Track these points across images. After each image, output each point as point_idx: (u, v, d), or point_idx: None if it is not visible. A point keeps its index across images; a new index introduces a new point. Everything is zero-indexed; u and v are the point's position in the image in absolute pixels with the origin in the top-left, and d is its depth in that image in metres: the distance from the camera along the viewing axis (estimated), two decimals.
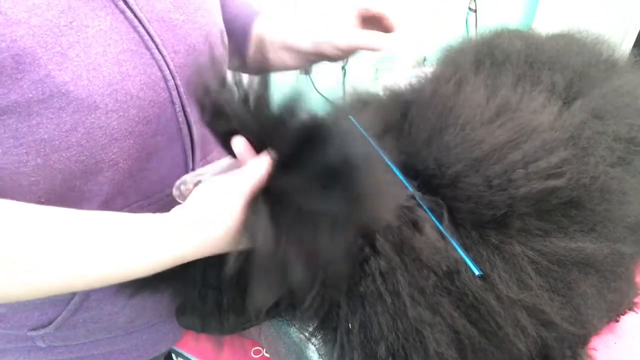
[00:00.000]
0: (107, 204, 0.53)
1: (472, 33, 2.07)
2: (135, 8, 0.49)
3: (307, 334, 0.62)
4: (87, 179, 0.49)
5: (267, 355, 0.75)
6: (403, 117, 0.63)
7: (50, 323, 0.57)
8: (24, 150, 0.44)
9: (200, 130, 0.59)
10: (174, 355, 0.80)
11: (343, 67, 2.48)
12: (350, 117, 0.68)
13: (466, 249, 0.51)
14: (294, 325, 0.64)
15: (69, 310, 0.57)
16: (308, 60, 0.75)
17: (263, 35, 0.78)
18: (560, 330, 0.52)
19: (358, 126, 0.66)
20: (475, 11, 2.09)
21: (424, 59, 2.06)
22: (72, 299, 0.56)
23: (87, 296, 0.57)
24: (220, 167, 0.51)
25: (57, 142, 0.45)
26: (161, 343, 0.71)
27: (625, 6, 2.15)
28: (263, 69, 0.81)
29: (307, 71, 2.49)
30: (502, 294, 0.49)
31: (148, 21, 0.50)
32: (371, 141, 0.63)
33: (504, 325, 0.49)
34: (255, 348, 0.77)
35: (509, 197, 0.51)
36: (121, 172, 0.52)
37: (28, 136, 0.43)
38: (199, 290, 0.52)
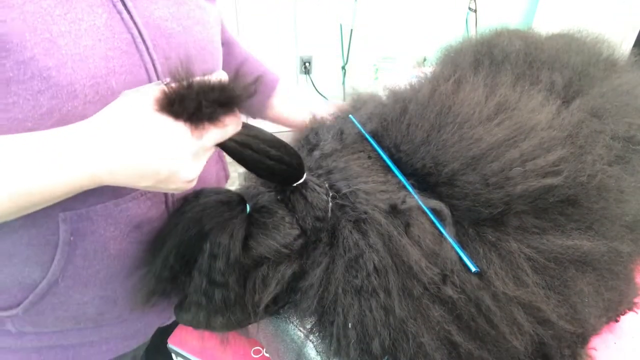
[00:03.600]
0: (80, 198, 0.52)
1: (472, 33, 2.07)
2: (133, 11, 0.51)
3: (305, 332, 0.62)
4: None
5: (267, 355, 0.76)
6: (402, 116, 0.63)
7: (18, 305, 0.58)
8: None
9: None
10: (173, 355, 0.81)
11: (343, 67, 2.49)
12: (350, 116, 0.69)
13: (463, 246, 0.51)
14: (292, 323, 0.64)
15: (36, 294, 0.57)
16: None
17: (289, 95, 0.87)
18: (557, 328, 0.53)
19: (358, 125, 0.67)
20: (475, 11, 2.10)
21: (424, 59, 2.06)
22: (39, 283, 0.56)
23: (55, 283, 0.56)
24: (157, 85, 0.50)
25: (29, 124, 0.45)
26: (132, 339, 0.71)
27: (625, 6, 2.15)
28: (282, 122, 0.89)
29: (307, 71, 2.49)
30: (498, 290, 0.49)
31: (144, 25, 0.52)
32: (370, 140, 0.63)
33: (500, 324, 0.49)
34: (255, 348, 0.77)
35: (506, 195, 0.52)
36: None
37: (2, 113, 0.44)
38: (205, 288, 0.52)
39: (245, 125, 0.49)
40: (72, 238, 0.54)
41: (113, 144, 0.42)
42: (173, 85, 0.42)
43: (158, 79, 0.53)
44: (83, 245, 0.55)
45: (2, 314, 0.58)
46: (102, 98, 0.48)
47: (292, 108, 0.89)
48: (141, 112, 0.42)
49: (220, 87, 0.43)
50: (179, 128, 0.43)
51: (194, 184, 0.48)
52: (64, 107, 0.46)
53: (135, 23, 0.50)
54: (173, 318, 0.75)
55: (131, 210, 0.56)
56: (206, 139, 0.44)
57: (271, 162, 0.50)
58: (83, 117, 0.46)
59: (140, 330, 0.71)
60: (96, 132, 0.43)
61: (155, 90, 0.43)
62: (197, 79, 0.43)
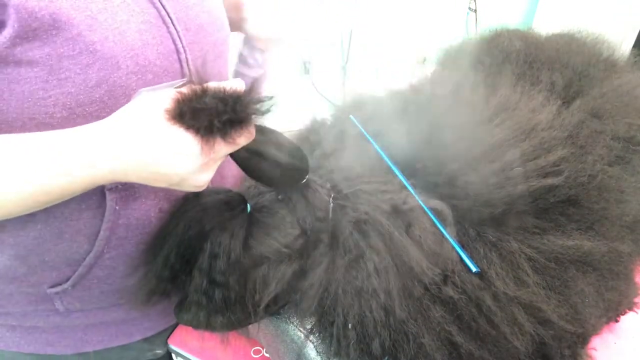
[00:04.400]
0: None
1: (472, 33, 2.08)
2: None
3: (305, 332, 0.62)
4: None
5: (267, 355, 0.75)
6: (402, 115, 0.63)
7: (67, 280, 0.60)
8: (52, 102, 0.48)
9: None
10: (173, 356, 0.80)
11: (343, 67, 2.48)
12: (351, 117, 0.69)
13: (463, 246, 0.51)
14: (293, 323, 0.64)
15: (85, 266, 0.59)
16: None
17: None
18: (558, 328, 0.53)
19: (359, 126, 0.66)
20: (475, 11, 2.10)
21: (424, 59, 2.06)
22: (85, 257, 0.59)
23: (101, 255, 0.59)
24: (173, 85, 0.51)
25: (82, 97, 0.49)
26: (171, 315, 0.71)
27: (625, 6, 2.15)
28: None
29: (307, 71, 2.49)
30: (499, 291, 0.49)
31: None
32: (371, 140, 0.63)
33: (500, 324, 0.49)
34: (255, 348, 0.77)
35: (507, 195, 0.52)
36: None
37: (57, 88, 0.48)
38: (205, 287, 0.52)
39: (260, 130, 0.48)
40: (117, 207, 0.57)
41: (127, 147, 0.44)
42: (187, 93, 0.43)
43: (183, 49, 0.56)
44: (126, 214, 0.58)
45: (52, 290, 0.61)
46: (141, 68, 0.52)
47: None
48: (154, 119, 0.43)
49: (234, 101, 0.43)
50: (189, 140, 0.43)
51: (205, 186, 0.49)
52: (110, 78, 0.50)
53: None
54: None
55: None
56: (216, 152, 0.45)
57: (279, 170, 0.50)
58: (126, 87, 0.51)
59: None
60: (112, 133, 0.44)
61: (169, 95, 0.43)
62: (212, 88, 0.43)
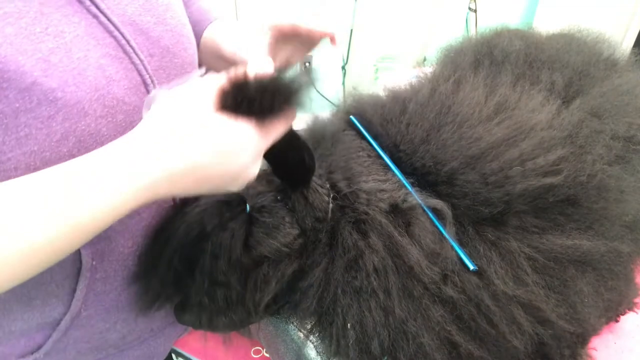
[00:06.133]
0: None
1: (472, 33, 2.08)
2: (108, 12, 0.48)
3: (305, 332, 0.62)
4: None
5: (267, 355, 0.76)
6: (401, 115, 0.63)
7: (38, 348, 0.54)
8: (13, 165, 0.41)
9: None
10: (174, 355, 0.80)
11: (343, 67, 2.49)
12: (351, 117, 0.69)
13: (462, 245, 0.51)
14: (293, 323, 0.64)
15: (60, 330, 0.54)
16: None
17: (206, 42, 0.73)
18: (557, 328, 0.53)
19: (358, 125, 0.67)
20: (475, 11, 2.09)
21: (424, 59, 2.06)
22: (62, 319, 0.53)
23: (77, 315, 0.54)
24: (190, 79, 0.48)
25: (47, 154, 0.42)
26: (152, 358, 0.69)
27: (625, 6, 2.15)
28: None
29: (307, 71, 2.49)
30: (498, 289, 0.49)
31: (122, 25, 0.49)
32: (371, 141, 0.63)
33: (499, 324, 0.49)
34: (255, 348, 0.77)
35: (506, 194, 0.52)
36: None
37: (16, 149, 0.41)
38: (207, 288, 0.52)
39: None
40: (93, 262, 0.51)
41: (175, 148, 0.38)
42: (232, 80, 0.41)
43: (151, 79, 0.51)
44: (103, 267, 0.53)
45: None
46: (110, 110, 0.46)
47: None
48: (201, 112, 0.40)
49: (277, 80, 0.42)
50: (247, 129, 0.41)
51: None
52: (78, 128, 0.43)
53: (113, 24, 0.48)
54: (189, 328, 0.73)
55: (146, 220, 0.55)
56: (273, 135, 0.43)
57: (300, 162, 0.51)
58: (97, 134, 0.45)
59: (159, 347, 0.69)
60: (150, 139, 0.39)
61: (209, 88, 0.41)
62: (252, 71, 0.41)
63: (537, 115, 0.59)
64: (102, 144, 0.43)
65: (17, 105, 0.39)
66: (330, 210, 0.55)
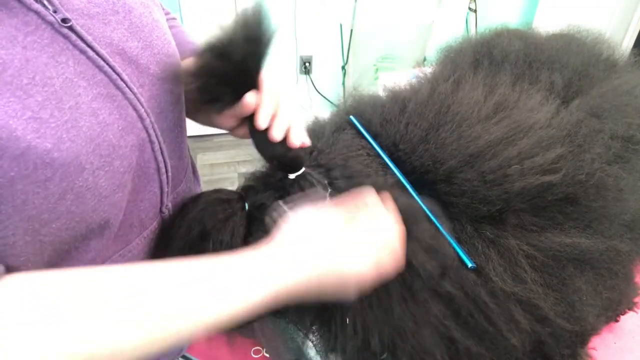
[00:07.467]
0: (90, 262, 0.49)
1: (472, 33, 2.08)
2: (95, 45, 0.44)
3: (304, 331, 0.62)
4: (77, 243, 0.46)
5: (267, 355, 0.76)
6: (401, 114, 0.63)
7: None
8: (10, 232, 0.39)
9: (173, 164, 0.57)
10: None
11: (343, 67, 2.49)
12: (350, 117, 0.69)
13: (460, 243, 0.52)
14: (292, 322, 0.64)
15: None
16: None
17: None
18: (555, 326, 0.53)
19: (358, 125, 0.67)
20: (475, 11, 2.10)
21: (424, 59, 2.07)
22: None
23: None
24: (311, 198, 0.52)
25: (46, 216, 0.40)
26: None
27: (625, 6, 2.15)
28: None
29: (307, 71, 2.49)
30: (496, 286, 0.49)
31: (110, 55, 0.46)
32: (370, 141, 0.63)
33: (497, 321, 0.49)
34: (255, 348, 0.77)
35: (504, 192, 0.52)
36: (111, 228, 0.49)
37: (14, 217, 0.38)
38: None
39: None
40: None
41: (310, 255, 0.43)
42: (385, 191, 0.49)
43: (146, 112, 0.49)
44: None
45: None
46: (106, 159, 0.44)
47: None
48: (338, 230, 0.45)
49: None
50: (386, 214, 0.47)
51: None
52: (75, 185, 0.41)
53: (103, 58, 0.44)
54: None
55: (135, 258, 0.55)
56: None
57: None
58: (95, 187, 0.43)
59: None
60: (291, 248, 0.43)
61: (337, 209, 0.46)
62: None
63: (536, 115, 0.59)
64: (100, 195, 0.44)
65: (13, 174, 0.37)
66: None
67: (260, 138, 0.53)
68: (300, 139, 0.53)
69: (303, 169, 0.54)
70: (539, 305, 0.51)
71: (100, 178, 0.43)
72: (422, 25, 2.10)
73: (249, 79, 0.51)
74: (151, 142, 0.50)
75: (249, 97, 0.51)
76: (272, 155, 0.53)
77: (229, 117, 0.56)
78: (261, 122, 0.52)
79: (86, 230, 0.45)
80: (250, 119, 0.53)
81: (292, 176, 0.54)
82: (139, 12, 0.51)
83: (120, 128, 0.45)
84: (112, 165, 0.44)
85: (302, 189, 0.54)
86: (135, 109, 0.47)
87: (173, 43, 0.57)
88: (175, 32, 0.68)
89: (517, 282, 0.51)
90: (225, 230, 0.52)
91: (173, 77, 0.54)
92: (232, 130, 0.59)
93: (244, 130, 0.57)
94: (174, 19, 0.73)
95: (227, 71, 0.49)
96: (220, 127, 0.60)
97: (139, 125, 0.48)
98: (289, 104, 0.54)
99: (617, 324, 0.71)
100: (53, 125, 0.39)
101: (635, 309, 0.71)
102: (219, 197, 0.54)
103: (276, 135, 0.52)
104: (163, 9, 0.71)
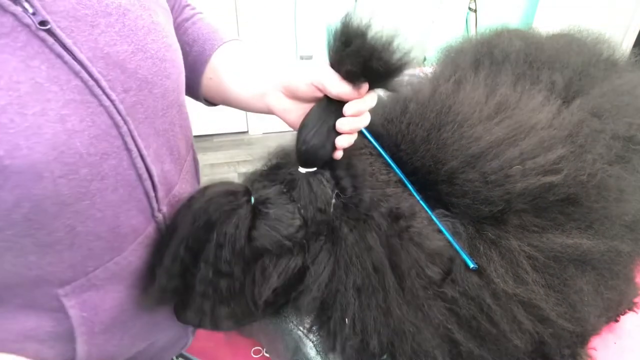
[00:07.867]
0: (76, 268, 0.49)
1: (472, 33, 2.08)
2: (75, 49, 0.42)
3: (305, 331, 0.62)
4: (43, 251, 0.45)
5: (267, 355, 0.76)
6: (402, 115, 0.64)
7: None
8: None
9: (159, 168, 0.55)
10: (174, 355, 0.81)
11: None
12: None
13: (462, 244, 0.52)
14: (292, 322, 0.64)
15: None
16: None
17: (219, 65, 0.68)
18: (556, 326, 0.53)
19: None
20: (475, 11, 2.10)
21: (424, 59, 2.07)
22: None
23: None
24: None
25: (0, 223, 0.39)
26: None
27: (625, 6, 2.15)
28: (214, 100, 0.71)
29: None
30: (498, 288, 0.49)
31: (91, 62, 0.43)
32: (372, 141, 0.63)
33: (500, 322, 0.49)
34: (255, 348, 0.77)
35: (506, 193, 0.52)
36: (82, 235, 0.47)
37: None
38: (211, 277, 0.52)
39: None
40: (84, 314, 0.49)
41: None
42: None
43: (124, 120, 0.46)
44: (98, 319, 0.51)
45: None
46: (71, 167, 0.42)
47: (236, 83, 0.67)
48: None
49: None
50: None
51: None
52: (32, 193, 0.39)
53: (80, 63, 0.42)
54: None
55: (133, 264, 0.54)
56: None
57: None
58: (57, 195, 0.41)
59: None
60: None
61: None
62: None
63: (537, 115, 0.60)
64: (62, 203, 0.42)
65: None
66: (332, 205, 0.55)
67: (323, 125, 0.52)
68: (347, 146, 0.53)
69: (316, 168, 0.54)
70: (540, 306, 0.51)
71: (63, 186, 0.41)
72: (422, 25, 2.10)
73: (384, 77, 0.50)
74: (128, 149, 0.48)
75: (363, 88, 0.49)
76: (315, 145, 0.52)
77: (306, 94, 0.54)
78: (348, 109, 0.50)
79: (49, 237, 0.44)
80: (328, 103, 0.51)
81: (303, 170, 0.54)
82: (136, 14, 0.49)
83: (91, 136, 0.43)
84: (77, 174, 0.42)
85: (309, 184, 0.54)
86: (110, 116, 0.45)
87: (175, 46, 0.55)
88: (199, 26, 0.68)
89: (518, 283, 0.51)
90: (230, 222, 0.51)
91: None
92: (285, 111, 0.59)
93: (297, 115, 0.58)
94: (199, 13, 0.72)
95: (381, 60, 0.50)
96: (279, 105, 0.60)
97: (114, 132, 0.46)
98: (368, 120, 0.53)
99: (617, 324, 0.72)
100: (12, 131, 0.37)
101: (635, 309, 0.71)
102: (226, 189, 0.54)
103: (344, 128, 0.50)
104: (188, 5, 0.71)
